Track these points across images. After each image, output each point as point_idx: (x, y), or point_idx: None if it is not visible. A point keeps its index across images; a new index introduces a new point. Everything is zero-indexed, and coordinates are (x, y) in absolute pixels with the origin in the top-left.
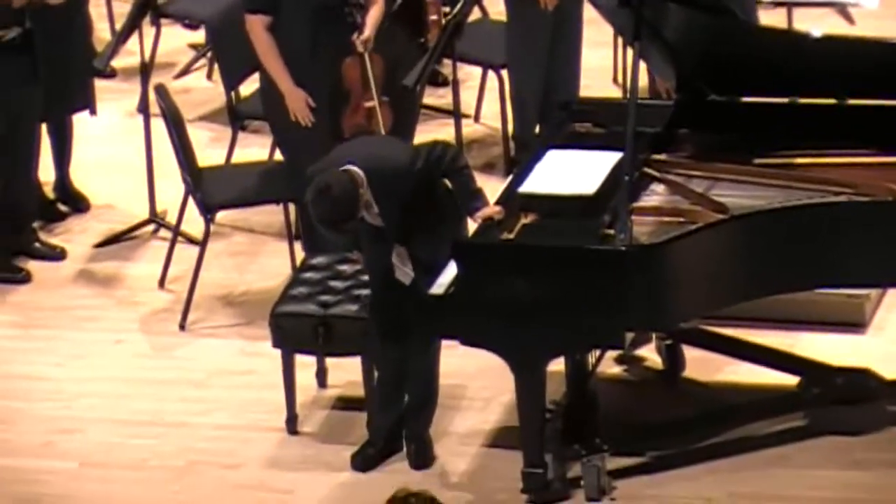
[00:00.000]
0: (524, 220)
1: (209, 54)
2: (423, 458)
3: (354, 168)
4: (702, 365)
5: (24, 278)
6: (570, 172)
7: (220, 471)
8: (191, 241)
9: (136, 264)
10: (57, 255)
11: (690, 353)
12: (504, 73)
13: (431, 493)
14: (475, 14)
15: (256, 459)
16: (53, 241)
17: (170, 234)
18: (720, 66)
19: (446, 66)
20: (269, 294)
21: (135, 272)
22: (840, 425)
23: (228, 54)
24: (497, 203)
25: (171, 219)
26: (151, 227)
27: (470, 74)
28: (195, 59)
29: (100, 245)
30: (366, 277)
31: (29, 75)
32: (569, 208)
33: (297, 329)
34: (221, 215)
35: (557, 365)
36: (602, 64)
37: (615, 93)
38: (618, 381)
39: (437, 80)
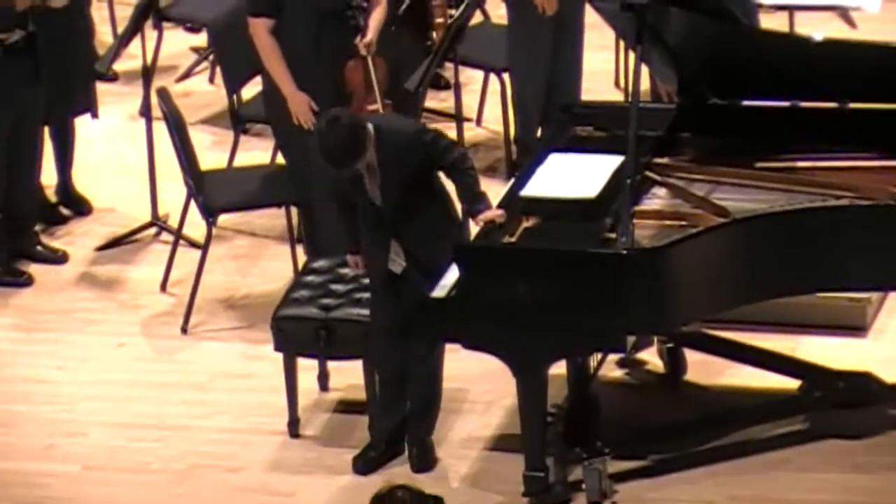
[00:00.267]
0: (526, 224)
1: (211, 58)
2: (424, 461)
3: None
4: (703, 368)
5: (26, 281)
6: (572, 176)
7: (221, 474)
8: (193, 244)
9: (138, 267)
10: (59, 258)
11: (692, 357)
12: (506, 76)
13: (418, 486)
14: (477, 18)
15: (258, 463)
16: (55, 244)
17: (172, 238)
18: (722, 69)
19: (448, 70)
20: (271, 297)
21: (137, 275)
22: (841, 429)
23: (230, 58)
24: (499, 206)
25: (173, 222)
26: (153, 230)
27: (472, 78)
28: (197, 63)
29: (102, 248)
30: (367, 281)
31: (32, 78)
32: (570, 212)
33: (298, 332)
34: (223, 219)
35: (559, 368)
36: (604, 67)
37: (617, 96)
38: (619, 384)
39: (440, 84)
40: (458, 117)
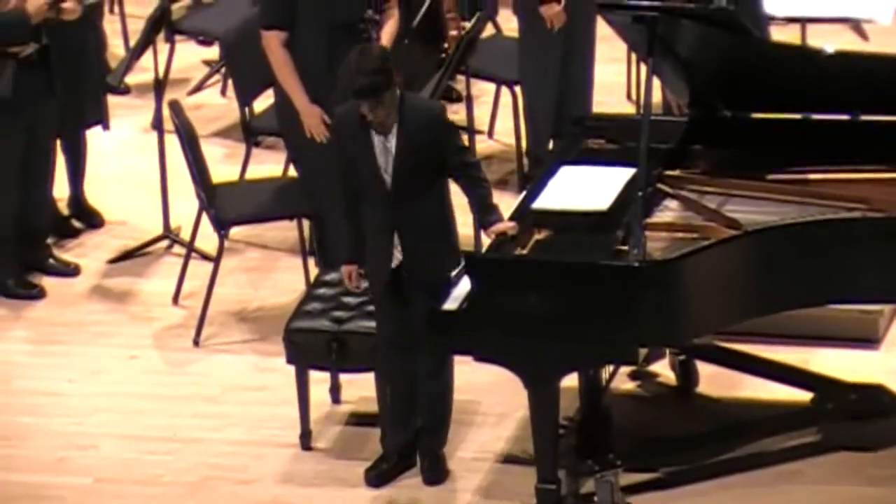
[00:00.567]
0: (538, 236)
1: (223, 70)
2: (436, 473)
3: None
4: (715, 380)
5: (39, 294)
6: (584, 188)
7: (233, 486)
8: (205, 256)
9: (150, 280)
10: (71, 271)
11: (704, 369)
12: (518, 89)
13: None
14: (488, 30)
15: (270, 475)
16: (67, 256)
17: (184, 250)
18: (733, 82)
19: (460, 83)
20: (283, 310)
21: (149, 288)
22: (853, 441)
23: (242, 70)
24: (511, 218)
25: (185, 235)
26: (165, 242)
27: (484, 90)
28: (209, 75)
29: (114, 261)
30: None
31: (45, 91)
32: (582, 224)
33: (310, 345)
34: (235, 231)
35: (571, 380)
36: (616, 80)
37: (629, 109)
38: (631, 396)
39: (451, 97)
40: (469, 130)
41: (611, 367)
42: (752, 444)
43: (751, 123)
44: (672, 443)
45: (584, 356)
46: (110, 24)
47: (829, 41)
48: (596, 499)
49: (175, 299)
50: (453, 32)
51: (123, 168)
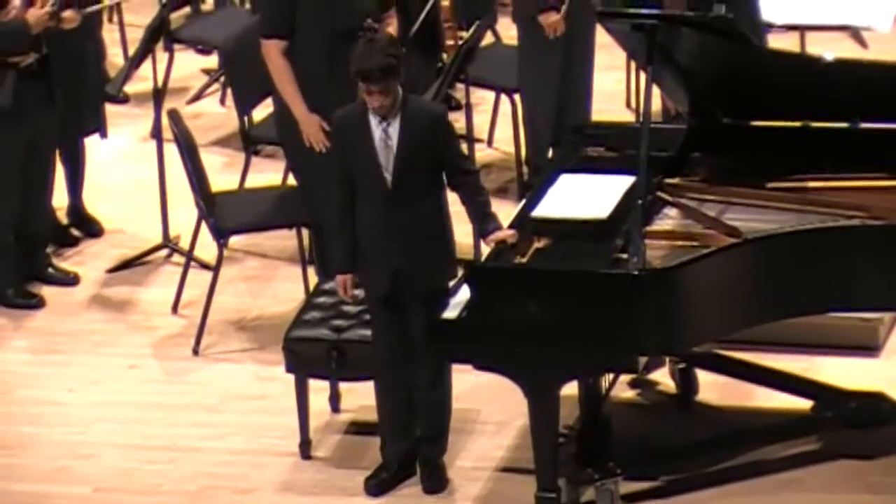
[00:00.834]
0: (537, 244)
1: (222, 79)
2: (436, 482)
3: None
4: (715, 389)
5: (38, 303)
6: (583, 196)
7: (233, 495)
8: (204, 265)
9: (150, 289)
10: (70, 280)
11: (704, 377)
12: (517, 97)
13: None
14: (488, 38)
15: (270, 484)
16: (66, 266)
17: (183, 259)
18: (733, 89)
19: (459, 91)
20: (283, 319)
21: (148, 297)
22: (853, 449)
23: (241, 79)
24: (510, 227)
25: (185, 244)
26: (165, 251)
27: (483, 99)
28: (208, 84)
29: (113, 270)
30: None
31: (45, 101)
32: (582, 232)
33: (310, 353)
34: (234, 240)
35: (571, 389)
36: (615, 88)
37: (629, 117)
38: (631, 404)
39: (451, 105)
40: (469, 138)
41: (611, 376)
42: (752, 452)
43: (750, 131)
44: (672, 451)
45: (583, 364)
46: (109, 34)
47: (828, 49)
48: None
49: (174, 308)
50: (450, 41)
51: (123, 177)
